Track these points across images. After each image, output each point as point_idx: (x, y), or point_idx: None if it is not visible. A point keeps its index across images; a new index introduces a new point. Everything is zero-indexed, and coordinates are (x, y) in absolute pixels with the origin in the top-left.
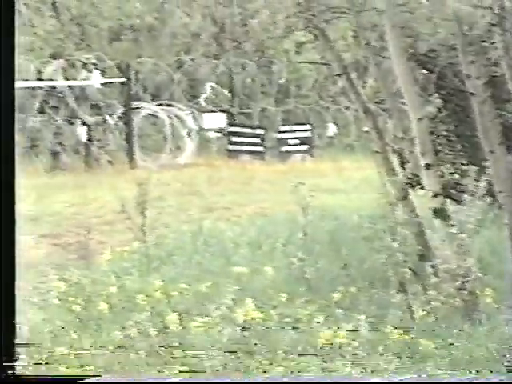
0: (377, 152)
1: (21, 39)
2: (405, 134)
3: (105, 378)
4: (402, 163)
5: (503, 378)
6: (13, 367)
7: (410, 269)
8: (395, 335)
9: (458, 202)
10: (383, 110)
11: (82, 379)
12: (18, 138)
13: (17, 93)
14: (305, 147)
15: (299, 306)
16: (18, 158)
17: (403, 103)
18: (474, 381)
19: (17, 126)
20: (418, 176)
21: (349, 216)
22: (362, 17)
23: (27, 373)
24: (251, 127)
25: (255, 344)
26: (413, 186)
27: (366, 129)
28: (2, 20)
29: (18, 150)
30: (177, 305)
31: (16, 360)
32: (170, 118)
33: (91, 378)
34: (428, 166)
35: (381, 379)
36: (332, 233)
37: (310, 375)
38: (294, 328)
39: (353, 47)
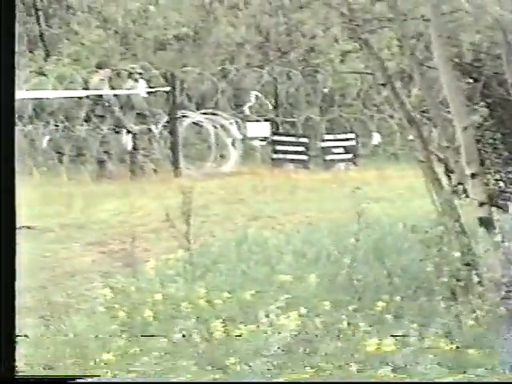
0: (421, 161)
1: (69, 49)
2: (450, 143)
3: (102, 377)
4: (447, 172)
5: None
6: (12, 367)
7: (457, 278)
8: (441, 344)
9: (505, 210)
10: (428, 119)
11: (80, 378)
12: (64, 146)
13: (64, 102)
14: (349, 156)
15: (345, 314)
16: (65, 167)
17: (448, 112)
18: (474, 381)
19: (64, 134)
20: (463, 185)
21: (394, 224)
22: (406, 26)
23: (26, 373)
24: (295, 136)
25: (300, 352)
26: (458, 195)
27: (410, 137)
28: (2, 20)
29: (65, 159)
30: (221, 312)
31: (15, 360)
32: (215, 126)
33: (89, 378)
34: (473, 176)
35: (381, 380)
36: (377, 241)
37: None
38: (337, 336)
39: (397, 56)
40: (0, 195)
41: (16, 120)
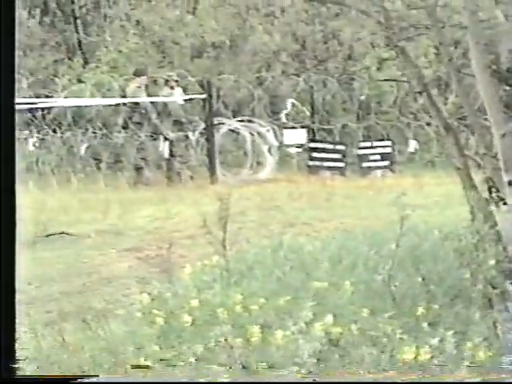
0: (458, 168)
1: (107, 57)
2: (488, 150)
3: (102, 377)
4: (485, 179)
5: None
6: (12, 368)
7: (493, 286)
8: (477, 352)
9: None
10: (465, 126)
11: (79, 378)
12: (102, 153)
13: (102, 109)
14: (385, 163)
15: (381, 322)
16: (103, 173)
17: (486, 119)
18: (475, 381)
19: (102, 141)
20: (500, 191)
21: (430, 232)
22: (444, 33)
23: (26, 373)
24: (332, 143)
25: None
26: (496, 202)
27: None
28: (2, 20)
29: (102, 165)
30: (257, 318)
31: (15, 360)
32: (251, 133)
33: (89, 378)
34: (511, 183)
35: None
36: (414, 248)
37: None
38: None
39: (434, 64)
40: (0, 196)
41: (55, 127)
